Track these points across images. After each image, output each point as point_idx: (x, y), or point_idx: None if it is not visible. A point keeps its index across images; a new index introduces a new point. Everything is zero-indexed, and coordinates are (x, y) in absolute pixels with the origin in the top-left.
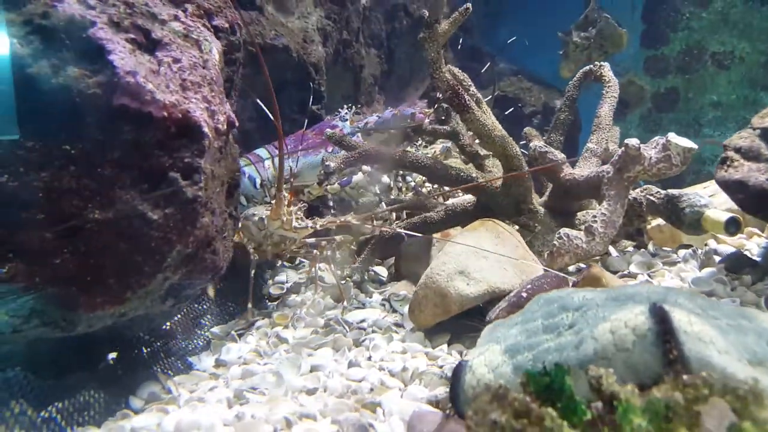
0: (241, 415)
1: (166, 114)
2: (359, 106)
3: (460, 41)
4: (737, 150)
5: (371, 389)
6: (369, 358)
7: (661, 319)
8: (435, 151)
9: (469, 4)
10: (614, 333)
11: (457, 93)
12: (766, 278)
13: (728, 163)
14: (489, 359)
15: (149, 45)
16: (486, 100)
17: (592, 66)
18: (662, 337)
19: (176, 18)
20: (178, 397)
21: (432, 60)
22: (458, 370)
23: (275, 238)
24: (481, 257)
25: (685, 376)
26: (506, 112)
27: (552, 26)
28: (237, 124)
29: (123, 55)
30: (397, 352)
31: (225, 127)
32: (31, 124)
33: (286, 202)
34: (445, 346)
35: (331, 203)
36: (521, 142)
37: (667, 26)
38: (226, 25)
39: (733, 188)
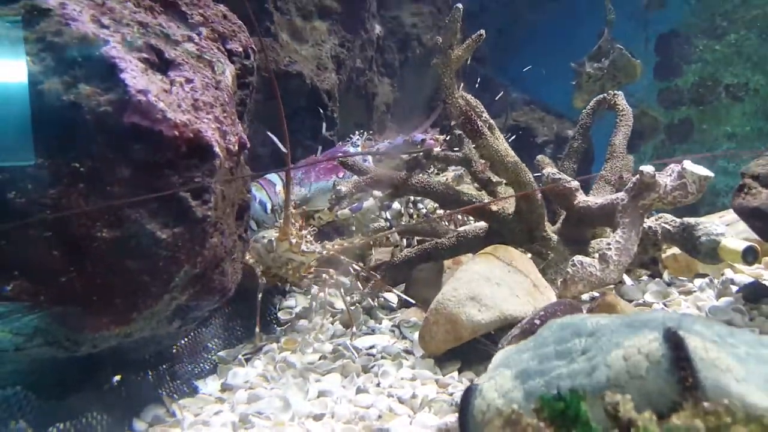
0: None
1: (177, 133)
2: (371, 132)
3: (479, 78)
4: (755, 177)
5: (379, 416)
6: (378, 385)
7: (675, 345)
8: (447, 178)
9: (482, 31)
10: (627, 360)
11: (470, 119)
12: None
13: (746, 190)
14: (499, 384)
15: (162, 65)
16: (506, 137)
17: (606, 94)
18: (677, 364)
19: (190, 39)
20: (182, 421)
21: (446, 85)
22: (467, 394)
23: (283, 261)
24: (493, 284)
25: (706, 404)
26: (510, 137)
27: (565, 57)
28: (248, 145)
29: (135, 74)
30: (406, 378)
31: (236, 148)
32: (41, 141)
33: (296, 225)
34: (455, 374)
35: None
36: (535, 174)
37: (680, 58)
38: (240, 49)
39: (750, 216)
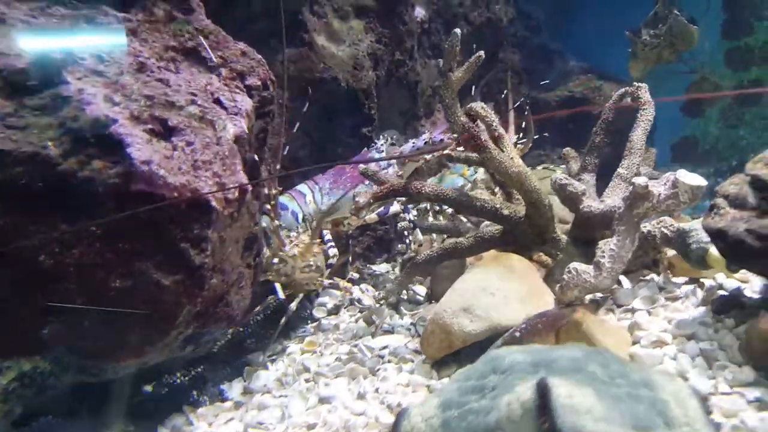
0: None
1: (176, 194)
2: (394, 137)
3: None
4: (725, 197)
5: (366, 424)
6: (377, 390)
7: (541, 393)
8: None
9: (481, 52)
10: (509, 405)
11: (473, 135)
12: (747, 321)
13: (715, 210)
14: (425, 410)
15: (165, 132)
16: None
17: (628, 87)
18: (541, 411)
19: (193, 102)
20: (195, 430)
21: (447, 106)
22: (399, 416)
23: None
24: (488, 293)
25: None
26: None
27: (625, 21)
28: (250, 189)
29: (140, 146)
30: (401, 384)
31: (237, 194)
32: (65, 211)
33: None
34: (447, 379)
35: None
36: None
37: (751, 14)
38: (258, 83)
39: (715, 237)
